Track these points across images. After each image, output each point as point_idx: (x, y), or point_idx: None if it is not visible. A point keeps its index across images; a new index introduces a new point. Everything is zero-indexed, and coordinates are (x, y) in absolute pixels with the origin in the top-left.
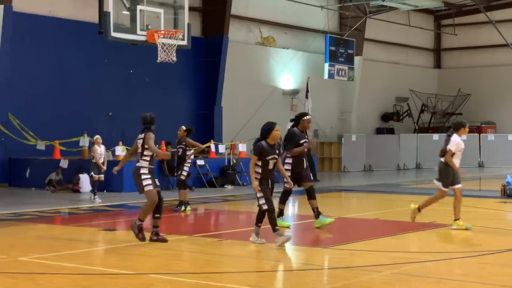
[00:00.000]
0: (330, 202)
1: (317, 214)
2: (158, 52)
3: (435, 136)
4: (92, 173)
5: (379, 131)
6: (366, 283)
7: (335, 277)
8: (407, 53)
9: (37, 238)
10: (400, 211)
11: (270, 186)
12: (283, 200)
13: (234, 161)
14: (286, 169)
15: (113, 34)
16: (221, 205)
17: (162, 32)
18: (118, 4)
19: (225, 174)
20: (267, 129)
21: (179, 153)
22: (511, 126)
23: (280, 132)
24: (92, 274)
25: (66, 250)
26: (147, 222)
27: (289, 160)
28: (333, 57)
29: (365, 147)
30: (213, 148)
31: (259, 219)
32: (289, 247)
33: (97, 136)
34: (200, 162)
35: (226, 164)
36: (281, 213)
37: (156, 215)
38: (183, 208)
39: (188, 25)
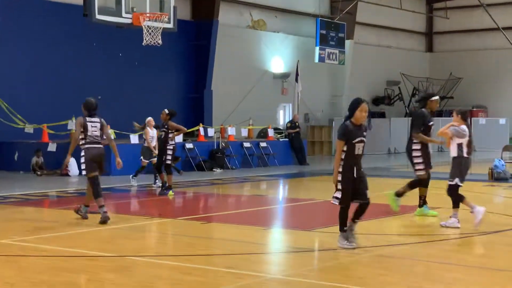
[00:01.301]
0: (320, 185)
1: (422, 203)
2: (144, 35)
3: None
4: (142, 157)
5: (370, 114)
6: (346, 264)
7: (317, 259)
8: (398, 36)
9: (22, 221)
10: (388, 194)
11: (357, 174)
12: (412, 186)
13: (223, 144)
14: (415, 156)
15: (98, 16)
16: (210, 189)
17: (148, 14)
18: None
19: (214, 157)
20: (352, 105)
21: (162, 136)
22: (502, 110)
23: (366, 114)
24: (72, 256)
25: (49, 232)
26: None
27: (417, 146)
28: (324, 41)
29: None
30: (202, 132)
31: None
32: (274, 230)
33: (150, 118)
34: (189, 145)
35: (215, 147)
36: (424, 201)
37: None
38: (170, 192)
39: (174, 7)
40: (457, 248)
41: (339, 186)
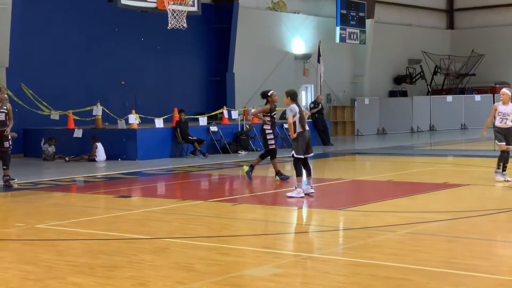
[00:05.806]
0: (344, 165)
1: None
2: (169, 18)
3: (449, 98)
4: (496, 141)
5: (392, 93)
6: (381, 242)
7: (350, 237)
8: (419, 14)
9: (54, 206)
10: (413, 172)
11: None
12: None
13: (247, 126)
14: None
15: (123, 1)
16: (235, 171)
17: None
18: None
19: (239, 140)
20: None
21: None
22: None
23: None
24: (109, 239)
25: (83, 216)
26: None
27: None
28: (344, 21)
29: (378, 110)
30: (226, 114)
31: None
32: (304, 209)
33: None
34: (213, 128)
35: (239, 130)
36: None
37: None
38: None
39: None
40: (490, 224)
41: None
